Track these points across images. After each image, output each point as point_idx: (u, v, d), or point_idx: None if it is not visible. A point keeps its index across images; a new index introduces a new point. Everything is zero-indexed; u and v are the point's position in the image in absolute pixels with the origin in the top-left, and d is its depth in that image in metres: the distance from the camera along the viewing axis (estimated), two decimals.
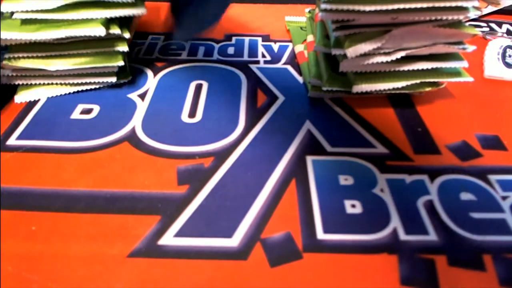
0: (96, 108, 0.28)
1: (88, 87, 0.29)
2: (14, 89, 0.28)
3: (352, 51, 0.25)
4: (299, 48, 0.34)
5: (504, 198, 0.22)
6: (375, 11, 0.23)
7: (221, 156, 0.24)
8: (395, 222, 0.20)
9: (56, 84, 0.29)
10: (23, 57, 0.27)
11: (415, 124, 0.27)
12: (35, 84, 0.28)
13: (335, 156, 0.24)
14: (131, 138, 0.25)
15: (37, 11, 0.25)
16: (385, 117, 0.28)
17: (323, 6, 0.23)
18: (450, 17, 0.24)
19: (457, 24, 0.25)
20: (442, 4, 0.23)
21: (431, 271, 0.18)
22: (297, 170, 0.23)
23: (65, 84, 0.29)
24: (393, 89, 0.27)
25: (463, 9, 0.24)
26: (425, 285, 0.18)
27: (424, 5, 0.23)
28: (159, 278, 0.18)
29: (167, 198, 0.21)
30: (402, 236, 0.20)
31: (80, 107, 0.28)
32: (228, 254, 0.19)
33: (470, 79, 0.27)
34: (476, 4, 0.24)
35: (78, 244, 0.19)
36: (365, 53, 0.25)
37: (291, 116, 0.27)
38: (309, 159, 0.24)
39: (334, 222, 0.20)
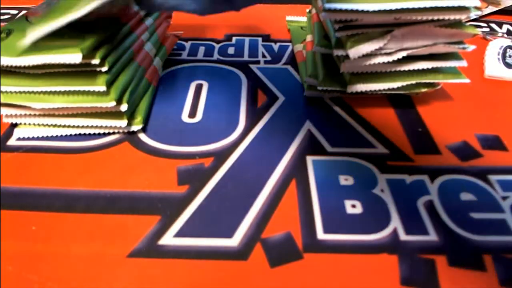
0: None
1: (91, 131, 0.25)
2: None
3: (355, 51, 0.25)
4: (298, 47, 0.34)
5: (504, 198, 0.22)
6: (379, 11, 0.23)
7: (221, 156, 0.24)
8: (395, 222, 0.20)
9: (52, 125, 0.25)
10: (8, 92, 0.23)
11: (415, 124, 0.27)
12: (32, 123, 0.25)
13: (335, 156, 0.24)
14: (131, 138, 0.25)
15: None
16: (386, 117, 0.28)
17: (327, 6, 0.23)
18: (452, 17, 0.24)
19: (458, 24, 0.25)
20: (444, 4, 0.23)
21: (431, 271, 0.18)
22: (297, 170, 0.23)
23: (68, 126, 0.25)
24: (388, 89, 0.27)
25: (465, 9, 0.24)
26: (425, 285, 0.18)
27: (427, 4, 0.23)
28: (159, 278, 0.18)
29: (167, 198, 0.21)
30: (402, 236, 0.20)
31: None
32: (228, 254, 0.19)
33: (466, 80, 0.27)
34: (478, 4, 0.24)
35: (78, 244, 0.19)
36: (367, 53, 0.25)
37: (291, 116, 0.27)
38: (309, 159, 0.24)
39: (334, 222, 0.20)
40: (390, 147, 0.25)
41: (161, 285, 0.18)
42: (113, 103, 0.23)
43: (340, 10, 0.23)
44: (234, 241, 0.19)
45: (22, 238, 0.19)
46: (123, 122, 0.25)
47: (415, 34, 0.25)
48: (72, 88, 0.23)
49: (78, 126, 0.25)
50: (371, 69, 0.26)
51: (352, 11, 0.23)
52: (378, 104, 0.29)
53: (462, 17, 0.24)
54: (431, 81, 0.27)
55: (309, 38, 0.33)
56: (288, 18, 0.40)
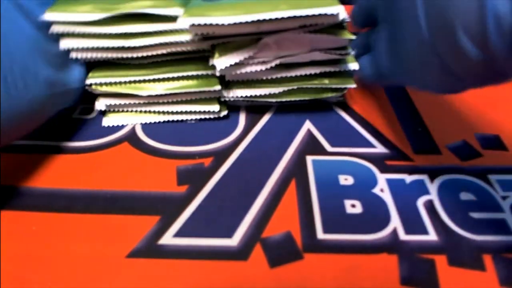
0: None
1: (184, 117, 0.27)
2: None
3: (222, 61, 0.23)
4: None
5: (504, 198, 0.22)
6: (234, 24, 0.21)
7: (221, 156, 0.24)
8: (395, 222, 0.20)
9: (149, 112, 0.26)
10: (111, 83, 0.25)
11: (415, 124, 0.27)
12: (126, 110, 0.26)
13: (335, 156, 0.24)
14: (131, 138, 0.25)
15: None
16: (385, 117, 0.28)
17: (181, 20, 0.22)
18: (316, 22, 0.22)
19: (332, 29, 0.23)
20: (303, 14, 0.21)
21: (431, 271, 0.18)
22: (297, 170, 0.23)
23: (159, 112, 0.26)
24: (270, 95, 0.26)
25: (330, 16, 0.22)
26: (425, 285, 0.18)
27: (285, 14, 0.21)
28: (159, 278, 0.18)
29: (167, 198, 0.21)
30: (402, 236, 0.20)
31: (81, 106, 0.28)
32: (228, 254, 0.19)
33: (353, 85, 0.26)
34: (341, 12, 0.22)
35: (78, 244, 0.19)
36: (238, 62, 0.23)
37: (291, 116, 0.27)
38: (309, 159, 0.24)
39: (334, 222, 0.20)
40: (390, 147, 0.25)
41: (161, 285, 0.18)
42: (219, 87, 0.25)
43: (193, 25, 0.22)
44: (234, 241, 0.19)
45: (22, 238, 0.19)
46: (216, 107, 0.26)
47: (289, 42, 0.23)
48: (184, 74, 0.24)
49: (174, 113, 0.26)
50: (248, 77, 0.25)
51: (206, 25, 0.21)
52: (378, 104, 0.29)
53: (330, 22, 0.23)
54: (319, 86, 0.26)
55: None
56: None
